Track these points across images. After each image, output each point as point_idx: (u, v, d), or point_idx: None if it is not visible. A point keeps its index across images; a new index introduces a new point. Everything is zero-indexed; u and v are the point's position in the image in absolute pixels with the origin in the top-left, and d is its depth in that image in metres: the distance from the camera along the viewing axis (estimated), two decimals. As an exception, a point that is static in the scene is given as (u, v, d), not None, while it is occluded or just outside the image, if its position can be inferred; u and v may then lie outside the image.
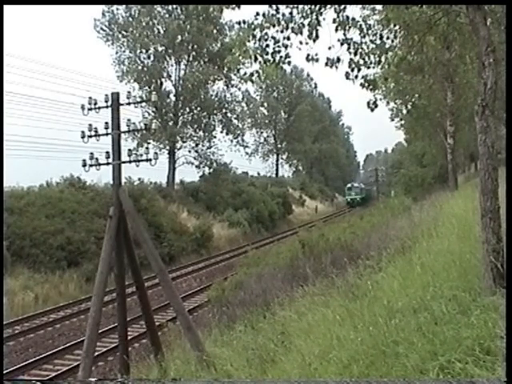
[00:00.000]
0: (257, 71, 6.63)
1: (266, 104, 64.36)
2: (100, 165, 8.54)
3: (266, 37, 6.23)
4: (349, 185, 69.92)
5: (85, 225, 22.62)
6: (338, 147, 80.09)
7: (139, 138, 31.47)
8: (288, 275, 12.46)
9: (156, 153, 9.18)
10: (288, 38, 6.23)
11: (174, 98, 36.25)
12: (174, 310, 9.58)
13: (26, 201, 21.92)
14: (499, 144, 7.10)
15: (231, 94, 38.56)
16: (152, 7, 33.85)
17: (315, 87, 76.70)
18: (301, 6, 6.10)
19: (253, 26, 6.17)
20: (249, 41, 6.28)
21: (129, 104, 8.85)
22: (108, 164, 8.47)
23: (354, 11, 6.95)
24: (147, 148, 9.69)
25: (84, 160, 8.55)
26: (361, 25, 6.54)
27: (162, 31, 34.60)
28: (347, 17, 6.35)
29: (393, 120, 32.00)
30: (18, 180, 23.75)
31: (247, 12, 6.33)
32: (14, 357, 12.59)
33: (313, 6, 6.09)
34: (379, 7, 7.58)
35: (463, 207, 11.24)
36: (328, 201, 67.80)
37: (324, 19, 6.19)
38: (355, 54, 6.55)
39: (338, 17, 6.29)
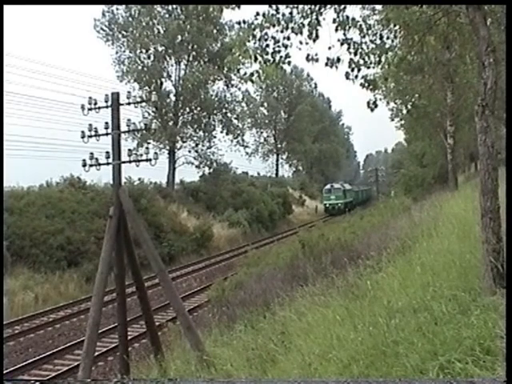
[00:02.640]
0: (257, 71, 6.63)
1: (265, 104, 64.43)
2: (100, 165, 8.55)
3: (266, 37, 6.23)
4: (327, 186, 56.37)
5: (85, 225, 22.62)
6: (337, 147, 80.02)
7: (139, 138, 31.49)
8: (288, 275, 12.46)
9: (156, 153, 9.19)
10: (288, 38, 6.23)
11: (174, 98, 36.26)
12: (173, 310, 9.58)
13: (25, 201, 21.92)
14: (499, 144, 7.10)
15: (231, 93, 38.63)
16: (152, 7, 33.86)
17: (315, 87, 76.85)
18: (301, 6, 6.10)
19: (253, 26, 6.17)
20: (249, 41, 6.28)
21: (129, 104, 8.85)
22: (108, 164, 8.48)
23: (353, 11, 6.97)
24: (147, 148, 9.68)
25: (84, 160, 8.56)
26: (361, 25, 6.54)
27: (162, 31, 34.61)
28: (347, 17, 6.35)
29: (393, 120, 31.96)
30: (18, 180, 23.83)
31: (247, 12, 6.33)
32: (14, 357, 12.59)
33: (313, 6, 6.10)
34: (379, 7, 7.59)
35: (463, 207, 11.23)
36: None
37: (324, 19, 6.20)
38: (355, 54, 6.55)
39: (338, 17, 6.29)
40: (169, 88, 36.21)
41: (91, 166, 8.56)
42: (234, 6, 6.33)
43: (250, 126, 59.63)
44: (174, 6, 34.46)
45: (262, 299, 10.00)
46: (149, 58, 34.68)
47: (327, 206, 53.96)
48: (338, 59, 6.48)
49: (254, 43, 6.28)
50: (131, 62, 34.21)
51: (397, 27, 7.44)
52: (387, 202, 34.72)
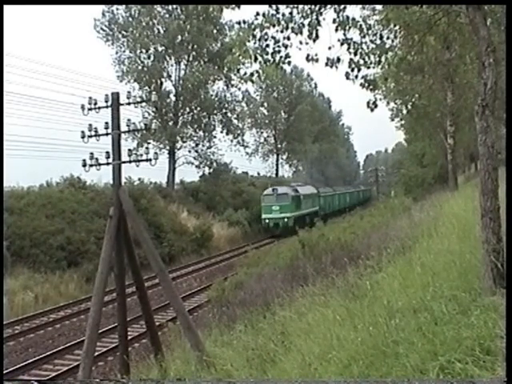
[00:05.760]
0: (257, 71, 6.63)
1: (266, 104, 64.25)
2: (100, 165, 8.54)
3: (266, 37, 6.23)
4: (268, 190, 37.34)
5: (85, 225, 22.63)
6: (337, 147, 79.90)
7: (139, 138, 31.53)
8: (288, 275, 12.47)
9: (156, 153, 9.17)
10: (288, 38, 6.23)
11: (174, 98, 36.30)
12: (174, 310, 9.58)
13: (25, 201, 21.93)
14: (499, 144, 7.10)
15: (231, 93, 38.71)
16: (152, 7, 33.89)
17: (315, 87, 76.61)
18: (301, 6, 6.10)
19: (253, 26, 6.18)
20: (249, 41, 6.28)
21: (129, 104, 8.83)
22: (108, 164, 8.46)
23: (354, 11, 6.97)
24: (147, 148, 9.67)
25: (84, 160, 8.54)
26: (361, 25, 6.54)
27: (162, 31, 34.65)
28: (347, 17, 6.35)
29: (393, 120, 32.04)
30: (18, 180, 23.84)
31: (247, 12, 6.33)
32: (14, 357, 12.58)
33: (313, 6, 6.10)
34: (379, 7, 7.59)
35: (463, 207, 11.23)
36: (328, 201, 67.18)
37: (324, 19, 6.20)
38: (355, 54, 6.56)
39: (338, 17, 6.29)
40: (169, 88, 36.33)
41: (91, 165, 8.55)
42: (233, 6, 6.33)
43: (250, 126, 59.56)
44: (174, 6, 34.48)
45: (261, 299, 10.00)
46: (149, 57, 34.72)
47: (266, 221, 35.70)
48: (338, 59, 6.48)
49: (254, 43, 6.28)
50: (131, 62, 34.25)
51: (397, 27, 7.46)
52: (387, 202, 34.74)
